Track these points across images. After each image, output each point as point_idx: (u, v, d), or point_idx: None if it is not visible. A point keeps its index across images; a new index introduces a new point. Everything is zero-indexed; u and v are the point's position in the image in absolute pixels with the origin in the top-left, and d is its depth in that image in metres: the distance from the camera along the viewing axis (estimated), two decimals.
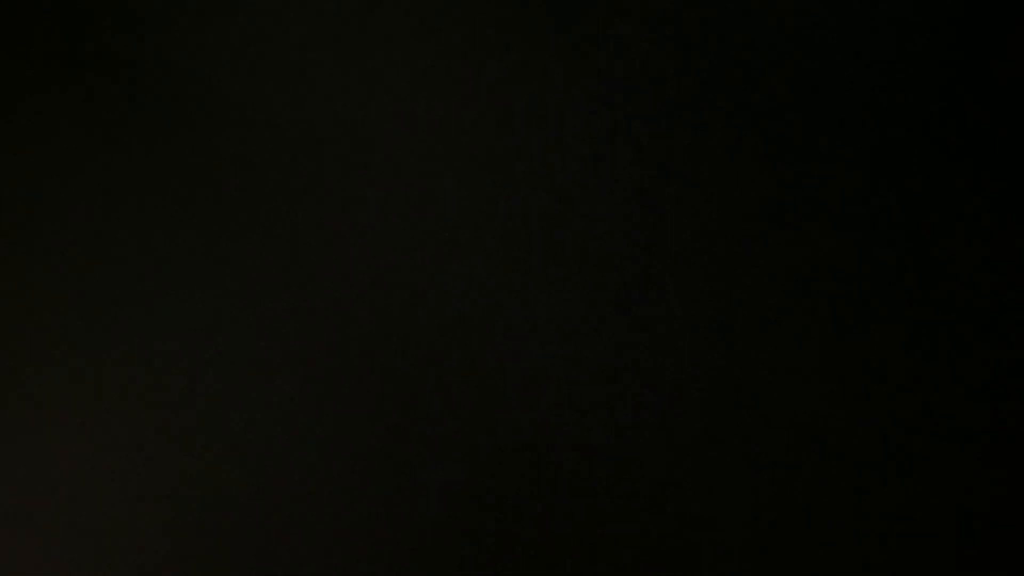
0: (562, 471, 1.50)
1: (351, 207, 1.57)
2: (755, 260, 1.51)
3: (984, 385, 1.47)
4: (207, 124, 1.60)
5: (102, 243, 1.58)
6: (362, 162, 1.58)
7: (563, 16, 1.59)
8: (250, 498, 1.52)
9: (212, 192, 1.59)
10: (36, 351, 1.57)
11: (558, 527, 1.49)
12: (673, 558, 1.48)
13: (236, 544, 1.52)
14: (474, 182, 1.56)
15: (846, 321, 1.50)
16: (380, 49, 1.60)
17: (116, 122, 1.61)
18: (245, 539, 1.52)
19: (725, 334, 1.50)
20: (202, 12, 1.62)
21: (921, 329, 1.49)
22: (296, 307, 1.56)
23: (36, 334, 1.57)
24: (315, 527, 1.52)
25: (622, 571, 1.48)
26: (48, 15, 1.63)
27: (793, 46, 1.55)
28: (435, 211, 1.56)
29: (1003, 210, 1.50)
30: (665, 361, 1.51)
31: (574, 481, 1.50)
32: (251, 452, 1.53)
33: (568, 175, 1.55)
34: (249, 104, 1.60)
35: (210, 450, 1.53)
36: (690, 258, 1.52)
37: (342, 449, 1.52)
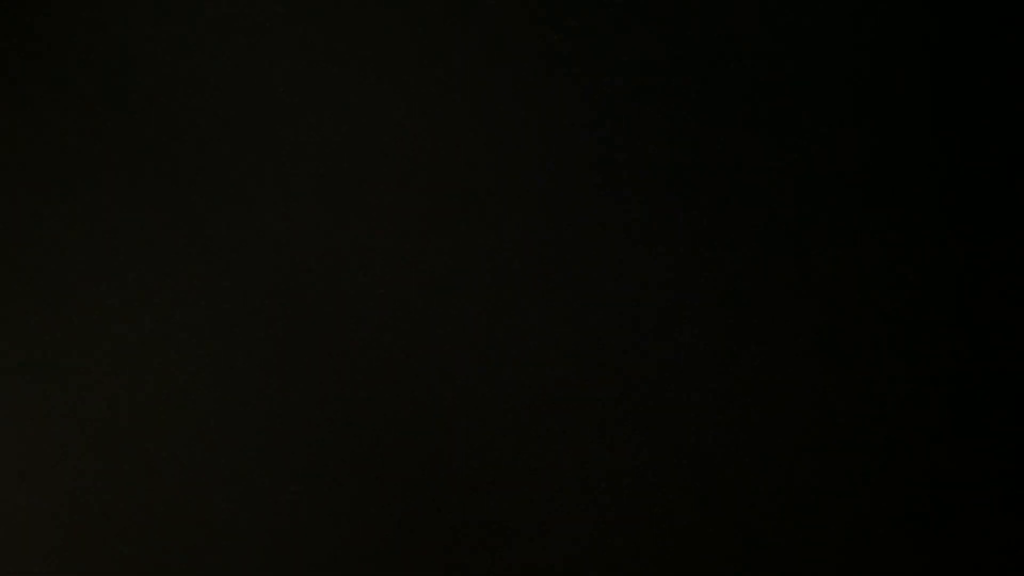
0: (557, 474, 1.50)
1: (342, 209, 1.57)
2: (752, 262, 1.52)
3: (983, 386, 1.47)
4: (200, 129, 1.61)
5: (99, 247, 1.59)
6: (352, 166, 1.59)
7: (559, 16, 1.59)
8: (245, 498, 1.52)
9: (205, 196, 1.59)
10: (32, 350, 1.57)
11: (552, 528, 1.49)
12: (670, 561, 1.48)
13: (228, 542, 1.52)
14: (466, 185, 1.57)
15: (842, 323, 1.50)
16: (373, 56, 1.61)
17: (110, 128, 1.61)
18: (237, 538, 1.52)
19: (722, 335, 1.51)
20: (194, 19, 1.63)
21: (918, 330, 1.49)
22: (287, 309, 1.56)
23: (33, 334, 1.57)
24: (308, 528, 1.52)
25: (621, 572, 1.48)
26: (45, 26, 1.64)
27: (787, 48, 1.55)
28: (426, 213, 1.56)
29: (1002, 211, 1.50)
30: (661, 365, 1.51)
31: (568, 484, 1.50)
32: (245, 452, 1.53)
33: (562, 177, 1.56)
34: (242, 109, 1.61)
35: (204, 450, 1.54)
36: (686, 259, 1.52)
37: (333, 451, 1.53)
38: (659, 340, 1.51)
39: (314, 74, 1.60)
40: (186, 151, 1.60)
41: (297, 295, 1.56)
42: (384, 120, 1.58)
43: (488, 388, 1.52)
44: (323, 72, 1.60)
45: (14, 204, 1.60)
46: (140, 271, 1.57)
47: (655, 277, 1.52)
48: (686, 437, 1.49)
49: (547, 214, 1.55)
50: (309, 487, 1.52)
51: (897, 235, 1.51)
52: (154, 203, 1.59)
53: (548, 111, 1.57)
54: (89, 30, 1.63)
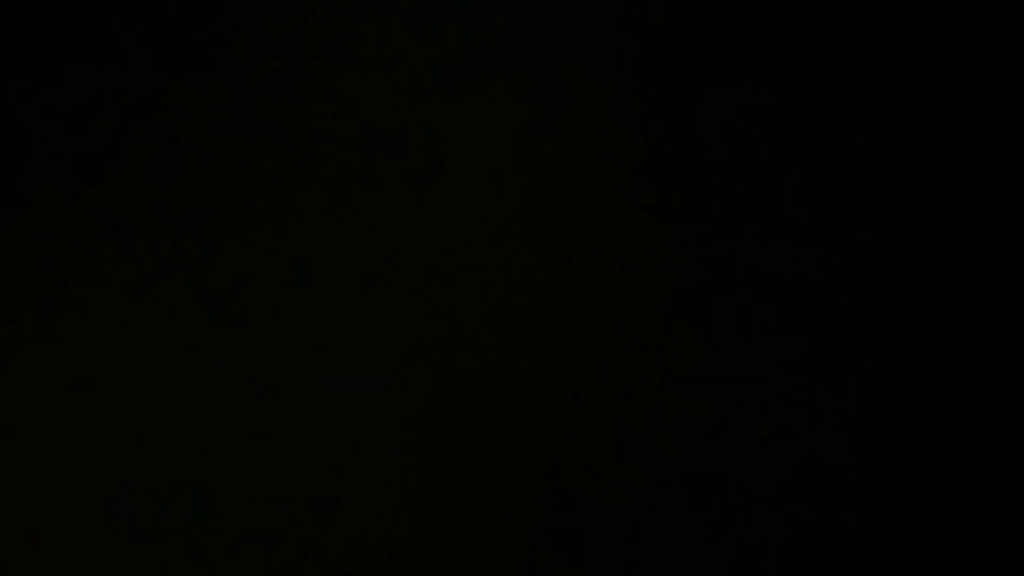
0: (570, 474, 1.51)
1: (361, 204, 1.57)
2: (750, 263, 1.52)
3: (982, 387, 1.47)
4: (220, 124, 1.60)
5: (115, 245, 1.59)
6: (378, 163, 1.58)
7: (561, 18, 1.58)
8: (248, 500, 1.53)
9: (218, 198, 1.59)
10: (38, 351, 1.57)
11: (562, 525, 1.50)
12: (672, 560, 1.49)
13: (229, 544, 1.53)
14: (485, 184, 1.56)
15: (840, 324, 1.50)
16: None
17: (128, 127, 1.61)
18: (239, 540, 1.53)
19: (720, 335, 1.51)
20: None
21: (917, 330, 1.49)
22: (305, 309, 1.56)
23: (40, 334, 1.58)
24: (311, 529, 1.53)
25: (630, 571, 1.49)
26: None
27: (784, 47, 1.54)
28: (443, 215, 1.56)
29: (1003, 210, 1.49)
30: (662, 364, 1.51)
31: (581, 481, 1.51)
32: (252, 453, 1.54)
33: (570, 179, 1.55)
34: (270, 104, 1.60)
35: (209, 450, 1.55)
36: (684, 260, 1.52)
37: (349, 449, 1.53)
38: (656, 344, 1.51)
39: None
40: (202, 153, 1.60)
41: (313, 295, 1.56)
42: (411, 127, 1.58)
43: (496, 391, 1.52)
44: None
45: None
46: (146, 273, 1.57)
47: (655, 281, 1.52)
48: (686, 435, 1.49)
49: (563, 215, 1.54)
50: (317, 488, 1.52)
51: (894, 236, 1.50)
52: (164, 203, 1.58)
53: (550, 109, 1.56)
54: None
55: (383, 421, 1.53)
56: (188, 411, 1.54)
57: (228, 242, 1.58)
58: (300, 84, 1.60)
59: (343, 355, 1.54)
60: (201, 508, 1.53)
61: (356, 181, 1.58)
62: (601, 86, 1.56)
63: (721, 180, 1.52)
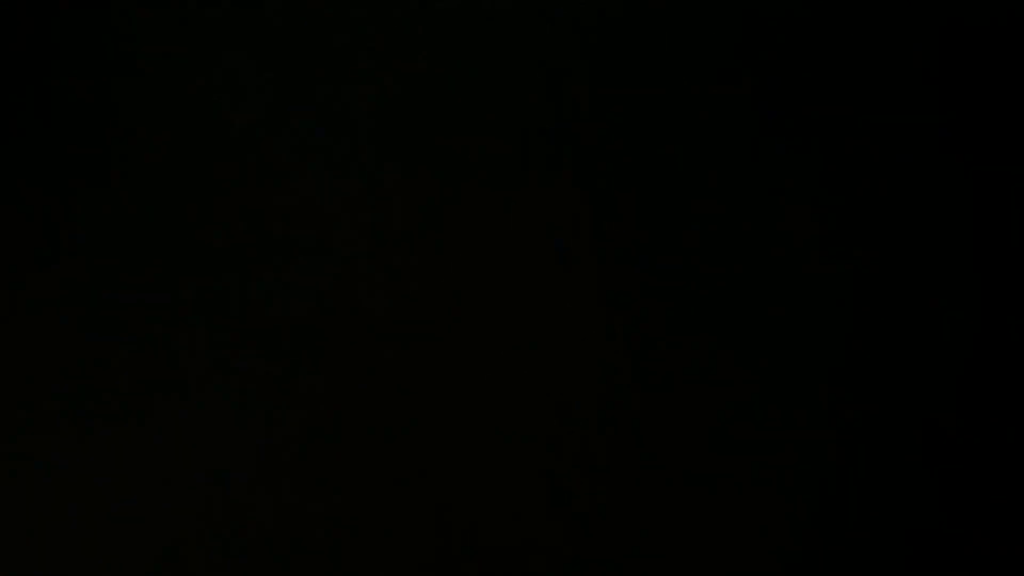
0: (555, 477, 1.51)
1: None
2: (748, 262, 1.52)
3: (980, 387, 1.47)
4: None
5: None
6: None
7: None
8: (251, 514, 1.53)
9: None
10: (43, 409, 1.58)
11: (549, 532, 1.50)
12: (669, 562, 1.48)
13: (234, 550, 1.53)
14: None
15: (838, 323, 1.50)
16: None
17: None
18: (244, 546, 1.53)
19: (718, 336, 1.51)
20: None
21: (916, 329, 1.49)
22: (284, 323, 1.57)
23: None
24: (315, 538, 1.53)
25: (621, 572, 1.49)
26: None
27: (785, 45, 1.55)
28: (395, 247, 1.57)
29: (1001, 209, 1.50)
30: (656, 365, 1.51)
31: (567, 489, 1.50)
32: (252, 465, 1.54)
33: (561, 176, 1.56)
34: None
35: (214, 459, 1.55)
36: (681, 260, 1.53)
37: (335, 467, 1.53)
38: (651, 344, 1.52)
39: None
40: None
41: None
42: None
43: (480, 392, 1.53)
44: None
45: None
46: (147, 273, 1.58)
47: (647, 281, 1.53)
48: (681, 439, 1.50)
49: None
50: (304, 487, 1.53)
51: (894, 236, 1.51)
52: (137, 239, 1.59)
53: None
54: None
55: (381, 422, 1.53)
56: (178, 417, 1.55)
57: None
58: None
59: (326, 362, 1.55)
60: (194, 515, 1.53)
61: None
62: (587, 86, 1.57)
63: (718, 177, 1.53)
